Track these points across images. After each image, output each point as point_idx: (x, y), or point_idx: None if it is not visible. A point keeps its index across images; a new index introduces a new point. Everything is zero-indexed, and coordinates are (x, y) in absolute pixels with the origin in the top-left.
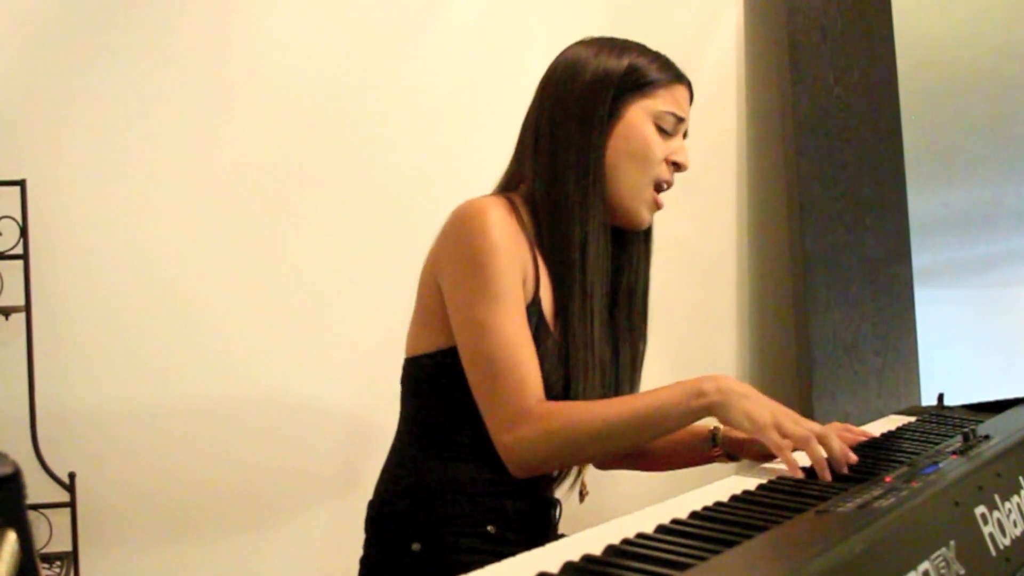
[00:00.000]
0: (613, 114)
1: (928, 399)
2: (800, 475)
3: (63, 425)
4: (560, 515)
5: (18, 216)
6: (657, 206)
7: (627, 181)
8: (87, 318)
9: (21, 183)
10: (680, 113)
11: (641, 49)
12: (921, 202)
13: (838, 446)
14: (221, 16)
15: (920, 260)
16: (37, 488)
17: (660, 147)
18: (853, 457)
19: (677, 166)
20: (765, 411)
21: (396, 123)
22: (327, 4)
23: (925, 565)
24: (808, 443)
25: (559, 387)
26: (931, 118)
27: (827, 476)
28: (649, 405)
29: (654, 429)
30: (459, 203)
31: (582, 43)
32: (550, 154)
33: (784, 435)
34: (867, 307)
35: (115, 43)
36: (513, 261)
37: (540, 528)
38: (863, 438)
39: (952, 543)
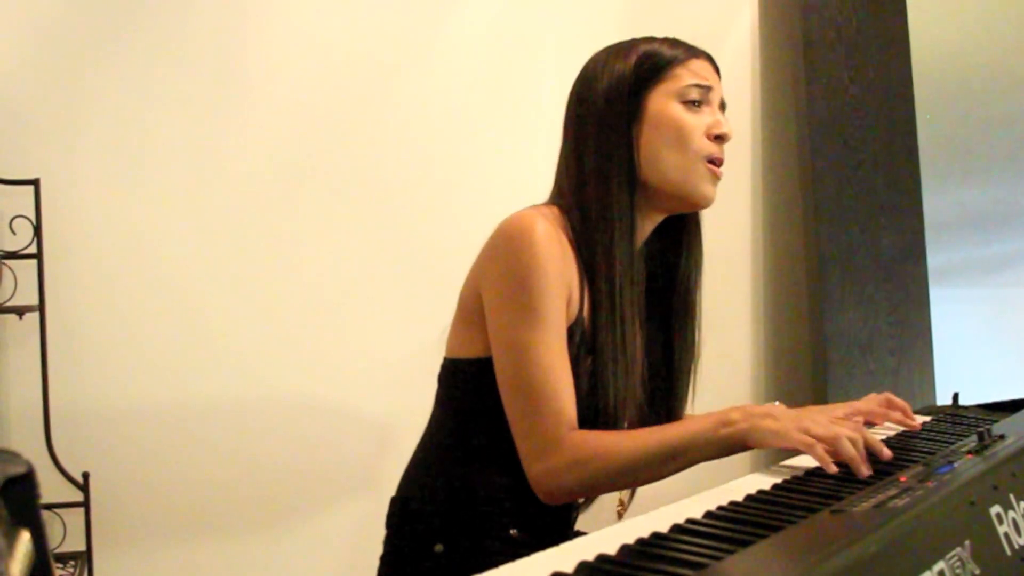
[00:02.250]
0: (636, 111)
1: (943, 398)
2: (834, 470)
3: (77, 425)
4: (577, 516)
5: (32, 215)
6: (716, 177)
7: (673, 165)
8: (101, 317)
9: (35, 182)
10: (704, 82)
11: (647, 40)
12: (936, 201)
13: (873, 443)
14: (235, 18)
15: (935, 259)
16: (51, 488)
17: (694, 122)
18: (887, 452)
19: (719, 138)
20: (788, 421)
21: (411, 125)
22: (341, 6)
23: (940, 565)
24: (837, 441)
25: (592, 403)
26: (946, 117)
27: (863, 472)
28: (678, 436)
29: (682, 460)
30: (472, 205)
31: (593, 57)
32: (576, 165)
33: (813, 437)
34: (882, 306)
35: (128, 43)
36: (559, 281)
37: (561, 531)
38: (905, 415)
39: (967, 543)
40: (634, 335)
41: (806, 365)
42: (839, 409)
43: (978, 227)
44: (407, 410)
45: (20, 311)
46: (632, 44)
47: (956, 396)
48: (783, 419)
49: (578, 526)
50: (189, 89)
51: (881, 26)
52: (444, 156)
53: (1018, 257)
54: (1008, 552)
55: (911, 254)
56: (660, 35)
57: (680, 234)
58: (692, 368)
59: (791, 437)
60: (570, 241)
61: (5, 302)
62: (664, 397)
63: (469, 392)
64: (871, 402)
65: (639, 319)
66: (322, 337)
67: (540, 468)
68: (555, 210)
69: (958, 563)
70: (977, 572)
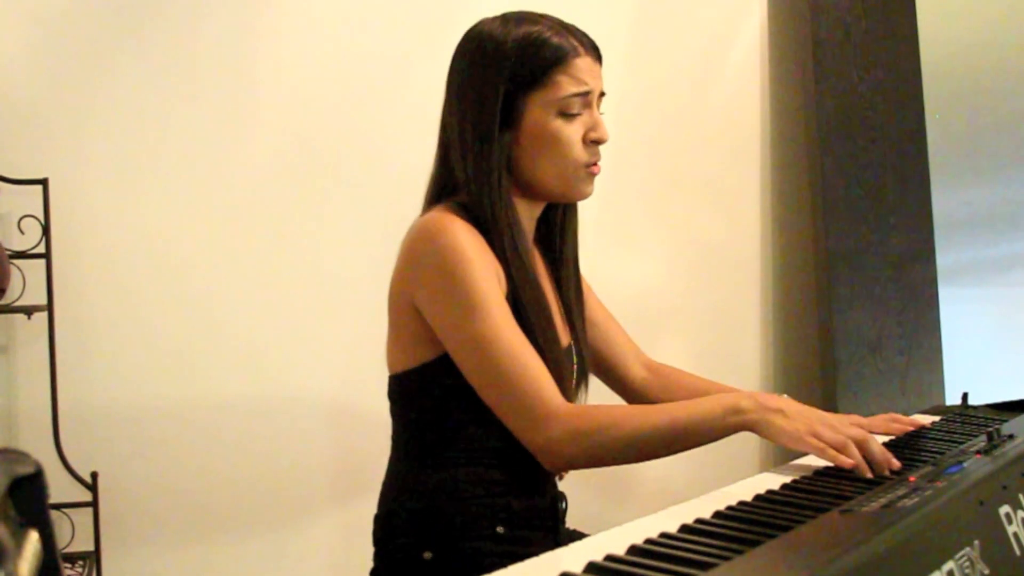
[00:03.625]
0: (512, 119)
1: (952, 398)
2: (849, 464)
3: (85, 424)
4: (566, 509)
5: (40, 215)
6: (591, 175)
7: (550, 171)
8: (109, 317)
9: (43, 182)
10: (582, 89)
11: (530, 22)
12: (945, 201)
13: (879, 451)
14: (243, 16)
15: (944, 259)
16: (59, 488)
17: (571, 134)
18: (895, 463)
19: (596, 141)
20: (800, 423)
21: (423, 121)
22: (351, 3)
23: (950, 565)
24: (845, 448)
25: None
26: (955, 116)
27: (868, 474)
28: (686, 416)
29: (687, 441)
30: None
31: (471, 34)
32: (462, 163)
33: (823, 441)
34: (891, 306)
35: (137, 43)
36: (486, 266)
37: (550, 524)
38: (911, 427)
39: (977, 542)
40: (553, 317)
41: (815, 365)
42: (846, 420)
43: (987, 226)
44: None
45: (29, 311)
46: (511, 32)
47: (965, 396)
48: (795, 419)
49: (578, 525)
50: (198, 88)
51: (890, 25)
52: None
53: None
54: (1017, 552)
55: (920, 253)
56: (675, 41)
57: (554, 213)
58: (584, 320)
59: (803, 441)
60: (478, 231)
61: (13, 302)
62: (576, 351)
63: (422, 401)
64: (875, 419)
65: (551, 294)
66: (333, 336)
67: (541, 440)
68: (455, 206)
69: (967, 563)
70: (986, 572)
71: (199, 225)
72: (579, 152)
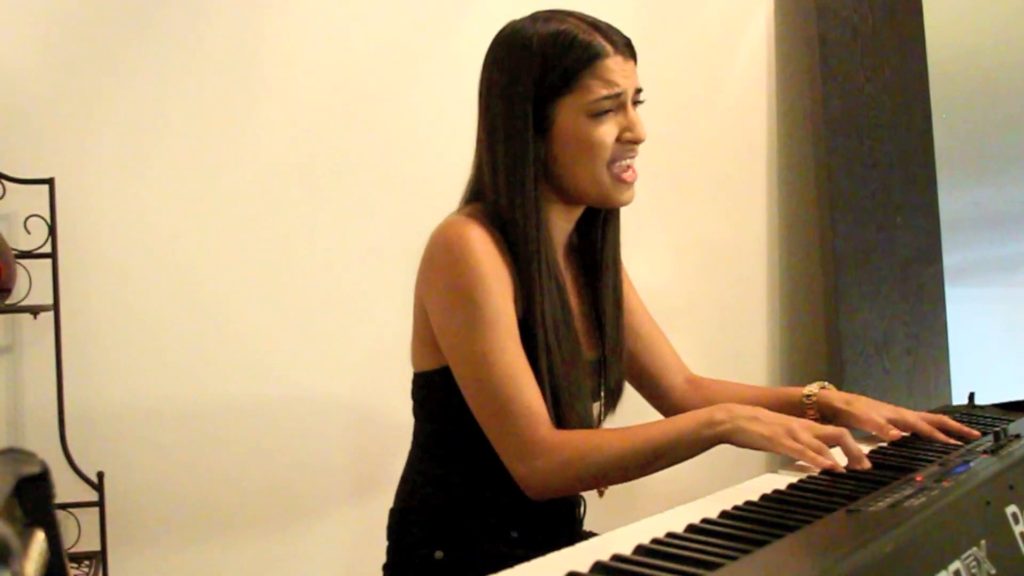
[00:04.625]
0: (544, 123)
1: (959, 398)
2: (827, 465)
3: (91, 424)
4: (585, 512)
5: (46, 215)
6: (625, 181)
7: (585, 177)
8: (115, 317)
9: (49, 182)
10: (614, 91)
11: (560, 20)
12: (952, 201)
13: (854, 448)
14: (249, 16)
15: (951, 259)
16: (65, 487)
17: (604, 136)
18: (866, 463)
19: (632, 141)
20: (776, 426)
21: (428, 122)
22: (357, 3)
23: (956, 564)
24: (821, 452)
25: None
26: (962, 116)
27: (842, 469)
28: (663, 435)
29: (667, 459)
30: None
31: (500, 37)
32: (491, 166)
33: (799, 443)
34: (898, 306)
35: (142, 42)
36: (499, 281)
37: (566, 529)
38: (954, 440)
39: (983, 542)
40: (574, 329)
41: (822, 364)
42: (885, 408)
43: (994, 226)
44: None
45: (35, 311)
46: (539, 32)
47: (972, 395)
48: (771, 423)
49: (587, 526)
50: (204, 88)
51: (897, 25)
52: (460, 155)
53: None
54: None
55: (927, 253)
56: (681, 41)
57: (597, 221)
58: (620, 333)
59: (780, 443)
60: (500, 239)
61: (20, 302)
62: (606, 363)
63: (444, 400)
64: (923, 417)
65: (581, 306)
66: (339, 336)
67: (524, 470)
68: (480, 211)
69: (974, 563)
70: (993, 572)
71: (206, 225)
72: (613, 153)
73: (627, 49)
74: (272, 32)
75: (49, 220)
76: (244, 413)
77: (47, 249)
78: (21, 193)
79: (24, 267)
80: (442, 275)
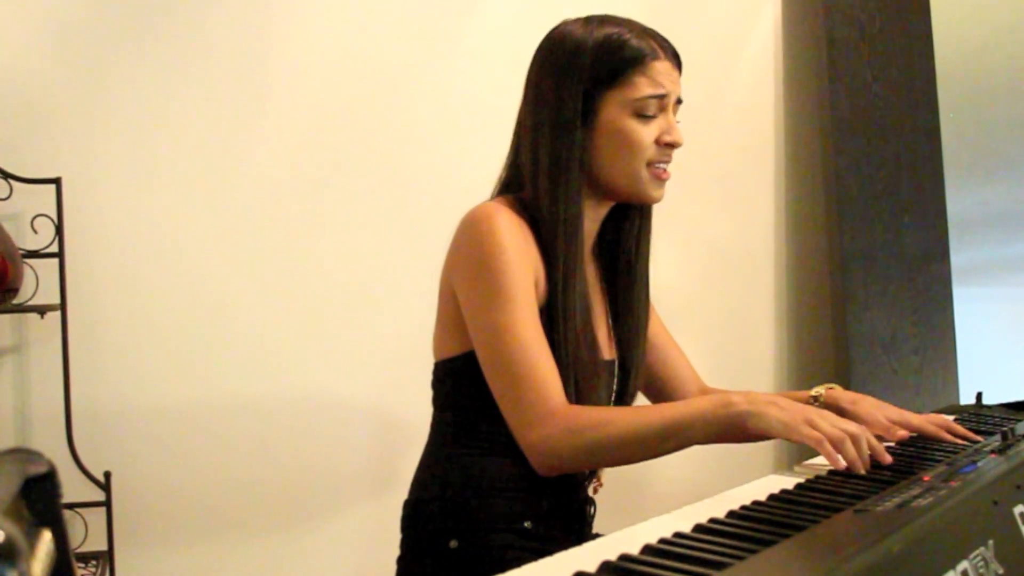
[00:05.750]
0: (588, 115)
1: (966, 398)
2: (842, 465)
3: (98, 424)
4: (594, 514)
5: (53, 214)
6: (660, 179)
7: (621, 171)
8: (122, 316)
9: (56, 181)
10: (659, 91)
11: (614, 24)
12: (959, 200)
13: (876, 446)
14: (255, 16)
15: (958, 258)
16: (72, 487)
17: (645, 135)
18: (888, 458)
19: (670, 145)
20: (796, 413)
21: (430, 123)
22: (363, 4)
23: (964, 564)
24: (842, 443)
25: (565, 377)
26: (970, 116)
27: (861, 471)
28: (678, 413)
29: (680, 438)
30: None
31: (553, 33)
32: (532, 157)
33: (818, 432)
34: (905, 305)
35: (150, 43)
36: (523, 261)
37: (576, 524)
38: (959, 440)
39: (991, 542)
40: (592, 321)
41: (829, 364)
42: (891, 410)
43: (1002, 226)
44: (428, 409)
45: (42, 310)
46: (592, 32)
47: (979, 395)
48: (790, 410)
49: (594, 527)
50: (210, 88)
51: (904, 25)
52: (466, 155)
53: None
54: None
55: (934, 253)
56: (689, 40)
57: (630, 216)
58: (641, 337)
59: (799, 430)
60: (530, 227)
61: (27, 301)
62: (621, 367)
63: (463, 388)
64: (928, 420)
65: (601, 306)
66: (343, 336)
67: (534, 437)
68: (511, 199)
69: (981, 563)
70: (1001, 572)
71: (213, 224)
72: (651, 153)
73: (675, 59)
74: (279, 32)
75: (56, 220)
76: (251, 412)
77: (54, 249)
78: (28, 193)
79: (31, 267)
80: (468, 252)
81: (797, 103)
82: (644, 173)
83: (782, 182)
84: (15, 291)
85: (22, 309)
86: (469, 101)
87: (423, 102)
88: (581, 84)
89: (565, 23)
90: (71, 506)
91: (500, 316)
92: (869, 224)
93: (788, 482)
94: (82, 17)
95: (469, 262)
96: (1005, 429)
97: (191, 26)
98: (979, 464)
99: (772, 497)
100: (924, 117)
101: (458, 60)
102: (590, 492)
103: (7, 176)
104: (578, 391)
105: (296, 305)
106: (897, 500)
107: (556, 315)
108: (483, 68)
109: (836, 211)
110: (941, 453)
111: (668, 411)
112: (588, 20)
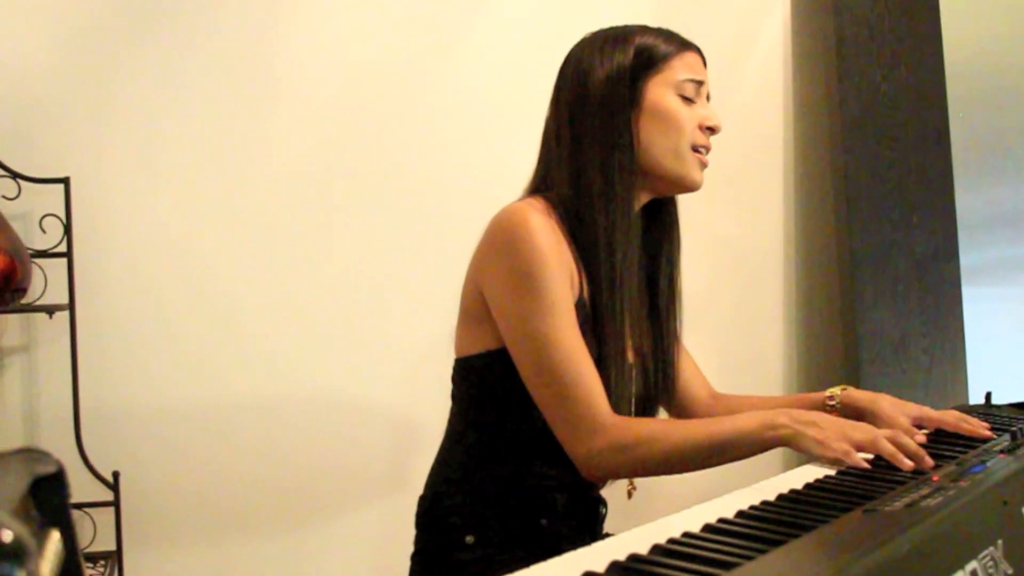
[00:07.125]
0: (634, 99)
1: (976, 398)
2: (865, 466)
3: (107, 423)
4: (606, 514)
5: (62, 214)
6: (703, 164)
7: (667, 149)
8: (131, 316)
9: (65, 181)
10: (697, 77)
11: (642, 30)
12: (969, 200)
13: (912, 445)
14: (264, 14)
15: (968, 258)
16: (81, 487)
17: (688, 114)
18: (929, 461)
19: (711, 130)
20: (830, 431)
21: (441, 122)
22: (372, 2)
23: (973, 564)
24: (877, 442)
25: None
26: (979, 115)
27: (906, 465)
28: (724, 431)
29: (725, 455)
30: (502, 204)
31: (584, 41)
32: (572, 153)
33: (853, 444)
34: (915, 305)
35: (157, 42)
36: (561, 266)
37: (589, 522)
38: (978, 434)
39: (1000, 542)
40: (634, 318)
41: (838, 364)
42: (910, 407)
43: (1011, 226)
44: (437, 407)
45: (50, 310)
46: (627, 34)
47: (989, 395)
48: (827, 428)
49: (607, 526)
50: (218, 87)
51: (914, 24)
52: (473, 156)
53: None
54: None
55: (944, 253)
56: (698, 39)
57: (661, 215)
58: (675, 350)
59: (831, 447)
60: (562, 228)
61: (35, 301)
62: (654, 376)
63: (484, 386)
64: (946, 414)
65: (640, 302)
66: (352, 335)
67: (583, 451)
68: (543, 200)
69: (991, 562)
70: (1010, 572)
71: (221, 224)
72: (694, 133)
73: (701, 55)
74: (288, 32)
75: (64, 219)
76: (259, 412)
77: (62, 248)
78: (36, 192)
79: (39, 266)
80: (504, 259)
81: (806, 103)
82: (689, 155)
83: (791, 181)
84: (23, 291)
85: (31, 309)
86: (480, 100)
87: (435, 100)
88: (626, 73)
89: (603, 28)
90: (80, 506)
91: (542, 326)
92: (878, 223)
93: (797, 482)
94: (90, 17)
95: (506, 268)
96: (1014, 429)
97: (200, 26)
98: (988, 464)
99: (781, 497)
100: (933, 116)
101: (469, 59)
102: (605, 491)
103: (16, 176)
104: (608, 389)
105: (305, 304)
106: (906, 500)
107: (602, 313)
108: (493, 66)
109: (845, 210)
110: (951, 452)
111: (715, 429)
112: (614, 27)
